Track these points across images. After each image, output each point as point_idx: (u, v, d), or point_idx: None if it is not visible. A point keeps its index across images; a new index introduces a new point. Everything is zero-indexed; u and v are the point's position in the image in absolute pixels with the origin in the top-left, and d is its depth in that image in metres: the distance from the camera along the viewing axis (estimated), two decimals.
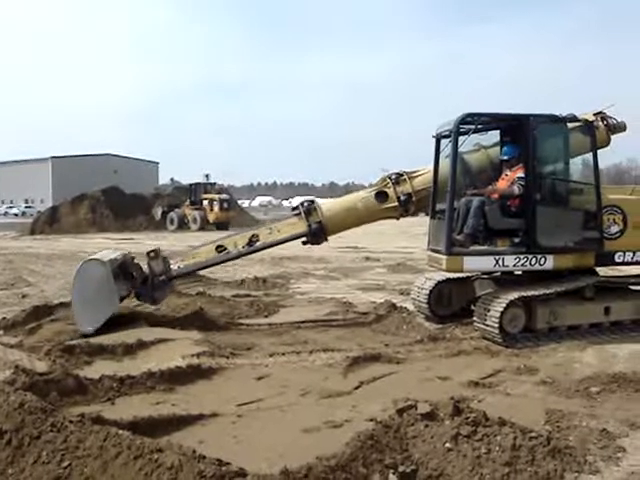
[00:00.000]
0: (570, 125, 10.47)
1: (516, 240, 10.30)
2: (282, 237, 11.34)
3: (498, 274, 11.00)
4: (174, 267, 11.17)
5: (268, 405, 7.03)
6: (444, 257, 10.12)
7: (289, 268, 19.27)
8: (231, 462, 4.75)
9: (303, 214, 11.32)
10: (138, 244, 31.59)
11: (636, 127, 11.77)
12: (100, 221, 48.78)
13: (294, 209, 11.76)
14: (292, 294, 14.86)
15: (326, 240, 11.54)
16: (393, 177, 11.47)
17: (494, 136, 11.45)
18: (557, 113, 10.51)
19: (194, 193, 49.32)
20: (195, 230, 45.89)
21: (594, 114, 11.33)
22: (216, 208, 47.84)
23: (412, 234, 25.81)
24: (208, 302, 12.33)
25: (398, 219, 11.82)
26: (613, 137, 11.61)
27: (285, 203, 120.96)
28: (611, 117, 11.50)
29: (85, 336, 9.83)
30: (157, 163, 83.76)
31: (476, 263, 10.26)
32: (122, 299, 10.87)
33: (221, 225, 46.85)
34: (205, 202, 48.55)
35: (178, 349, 9.03)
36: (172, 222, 48.63)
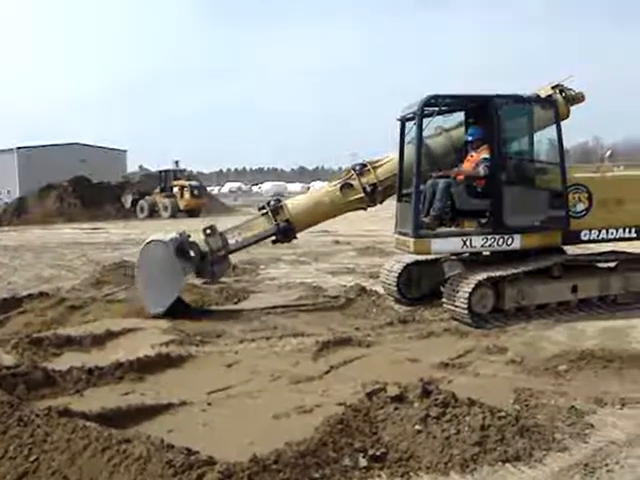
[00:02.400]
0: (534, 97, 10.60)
1: (483, 221, 10.35)
2: (253, 238, 11.42)
3: (466, 255, 11.03)
4: (231, 241, 11.28)
5: (238, 392, 7.00)
6: (412, 239, 10.13)
7: (259, 254, 19.21)
8: (200, 450, 4.76)
9: (270, 213, 11.34)
10: (107, 234, 31.43)
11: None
12: (68, 211, 48.20)
13: (261, 209, 11.73)
14: (262, 280, 14.84)
15: (295, 237, 11.59)
16: (357, 168, 11.45)
17: (455, 118, 11.47)
18: (521, 93, 10.56)
19: (164, 180, 48.81)
20: (166, 218, 45.42)
21: (552, 87, 11.35)
22: (187, 195, 47.37)
23: (381, 217, 25.75)
24: None
25: (366, 209, 11.81)
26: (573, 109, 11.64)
27: (255, 188, 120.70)
28: (569, 89, 11.50)
29: (158, 316, 10.23)
30: (125, 151, 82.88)
31: (444, 245, 10.27)
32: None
33: (192, 212, 46.59)
34: (175, 189, 47.99)
35: (147, 338, 9.01)
36: (142, 210, 48.11)
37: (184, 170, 53.00)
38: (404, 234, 10.54)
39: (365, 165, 11.46)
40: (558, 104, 10.89)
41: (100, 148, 77.70)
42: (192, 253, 10.86)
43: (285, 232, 11.34)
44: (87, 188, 51.23)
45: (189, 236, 11.02)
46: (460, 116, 11.44)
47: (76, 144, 75.14)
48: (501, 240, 10.20)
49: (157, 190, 48.46)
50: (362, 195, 11.31)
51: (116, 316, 10.34)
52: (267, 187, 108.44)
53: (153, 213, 47.68)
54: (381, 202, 11.62)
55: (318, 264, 17.53)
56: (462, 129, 11.30)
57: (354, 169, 11.46)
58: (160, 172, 50.80)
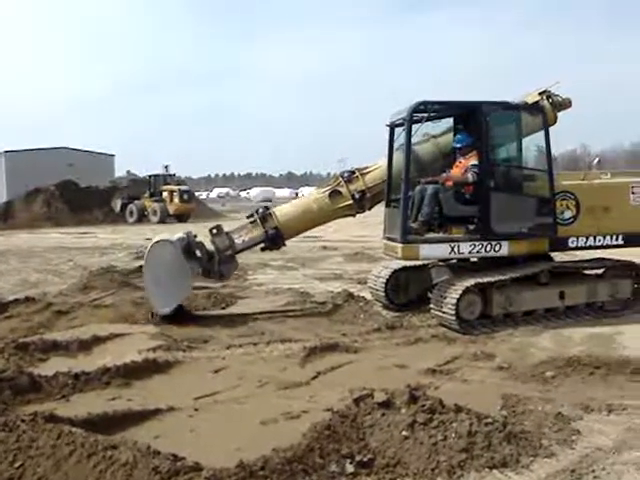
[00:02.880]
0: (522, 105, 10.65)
1: (471, 227, 10.37)
2: (251, 241, 11.42)
3: (454, 261, 11.04)
4: (238, 241, 11.26)
5: (225, 398, 7.00)
6: (400, 245, 10.15)
7: (246, 259, 19.12)
8: (187, 457, 4.74)
9: (259, 221, 11.33)
10: (95, 238, 31.33)
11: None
12: (56, 216, 47.86)
13: (249, 217, 11.70)
14: (249, 285, 14.82)
15: (284, 245, 11.59)
16: (345, 175, 11.46)
17: (443, 124, 11.50)
18: (509, 100, 10.61)
19: (153, 185, 48.21)
20: (155, 222, 44.98)
21: (539, 93, 11.38)
22: (176, 199, 46.78)
23: (370, 223, 25.69)
24: None
25: (354, 216, 11.81)
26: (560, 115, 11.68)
27: (243, 194, 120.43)
28: (556, 95, 11.55)
29: (165, 317, 10.36)
30: (113, 155, 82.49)
31: (432, 251, 10.29)
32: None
33: (182, 217, 46.15)
34: (165, 194, 47.35)
35: (134, 344, 8.98)
36: (132, 214, 47.49)
37: (174, 175, 52.56)
38: (392, 240, 10.55)
39: (353, 172, 11.47)
40: (546, 110, 10.94)
41: (88, 152, 77.32)
42: (199, 253, 10.89)
43: (274, 239, 11.34)
44: (74, 192, 50.95)
45: (196, 236, 11.02)
46: (448, 122, 11.47)
47: (63, 148, 74.74)
48: (489, 246, 10.23)
49: (146, 195, 48.09)
50: (351, 202, 11.31)
51: (103, 321, 10.32)
52: (255, 192, 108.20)
53: (142, 218, 47.08)
54: (369, 209, 11.63)
55: (306, 270, 17.51)
56: (450, 135, 11.32)
57: (342, 176, 11.47)
58: (149, 177, 50.03)
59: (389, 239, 10.81)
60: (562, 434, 5.71)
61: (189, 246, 10.78)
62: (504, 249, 10.30)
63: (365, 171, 11.45)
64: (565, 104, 11.71)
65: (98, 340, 9.14)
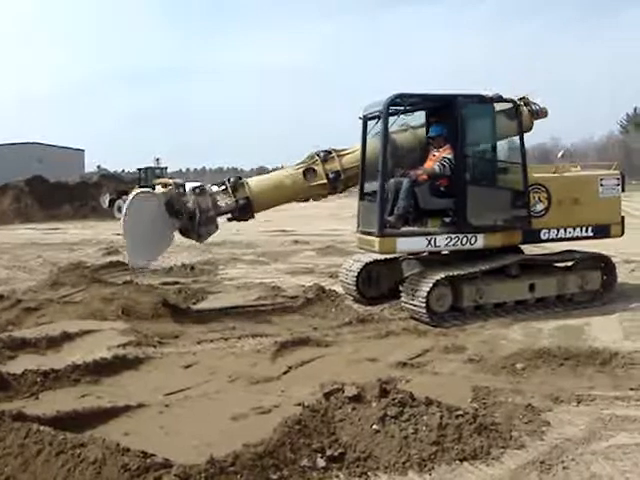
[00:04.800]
0: (497, 108, 10.62)
1: (447, 220, 10.40)
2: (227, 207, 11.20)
3: (425, 254, 11.06)
4: (221, 203, 11.02)
5: (196, 393, 6.98)
6: (377, 239, 10.15)
7: (217, 254, 19.11)
8: (157, 453, 4.70)
9: (230, 189, 11.12)
10: (65, 234, 31.07)
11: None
12: (25, 211, 47.46)
13: (220, 185, 11.50)
14: (220, 280, 14.75)
15: (252, 217, 11.37)
16: (322, 154, 11.36)
17: (420, 117, 11.50)
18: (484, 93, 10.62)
19: (144, 179, 45.45)
20: None
21: (518, 99, 11.43)
22: None
23: (341, 217, 25.82)
24: (135, 290, 12.07)
25: (326, 197, 11.81)
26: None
27: (215, 188, 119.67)
28: (534, 103, 11.68)
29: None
30: (83, 150, 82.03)
31: (409, 244, 10.31)
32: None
33: None
34: (159, 187, 45.19)
35: (104, 340, 8.90)
36: (120, 210, 45.15)
37: (166, 168, 50.70)
38: (368, 233, 10.53)
39: (330, 152, 11.39)
40: (523, 116, 11.04)
41: (57, 147, 76.69)
42: (181, 210, 10.73)
43: (243, 210, 11.11)
44: (44, 188, 50.42)
45: (178, 193, 10.88)
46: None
47: (33, 143, 74.10)
48: (465, 239, 10.27)
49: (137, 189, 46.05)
50: (325, 181, 11.23)
51: (73, 318, 10.19)
52: None
53: None
54: (341, 191, 11.62)
55: (277, 264, 17.46)
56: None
57: (318, 155, 11.37)
58: (140, 170, 48.12)
59: (364, 233, 10.78)
60: (532, 425, 5.76)
61: (171, 202, 10.65)
62: (479, 242, 10.35)
63: (342, 153, 11.41)
64: (543, 113, 11.89)
65: (67, 337, 9.03)
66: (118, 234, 20.80)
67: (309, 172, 11.33)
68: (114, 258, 17.70)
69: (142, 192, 10.71)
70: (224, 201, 11.15)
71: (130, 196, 10.85)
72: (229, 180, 11.33)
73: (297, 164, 11.63)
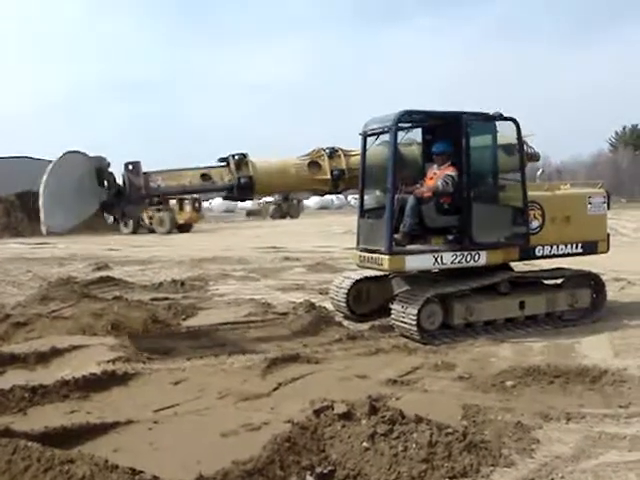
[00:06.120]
0: (500, 142, 10.73)
1: (450, 237, 10.41)
2: (181, 188, 10.79)
3: (414, 272, 11.03)
4: (153, 185, 10.31)
5: (185, 410, 6.93)
6: (386, 257, 10.04)
7: (208, 270, 19.11)
8: (145, 470, 4.68)
9: (233, 166, 10.63)
10: (54, 249, 31.01)
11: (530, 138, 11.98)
12: (15, 225, 47.37)
13: (222, 160, 10.85)
14: (211, 296, 14.71)
15: (251, 198, 11.17)
16: (327, 150, 11.20)
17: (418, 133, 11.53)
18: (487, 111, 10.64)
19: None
20: (164, 232, 41.30)
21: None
22: (188, 208, 43.37)
23: (331, 233, 25.86)
24: (125, 306, 12.05)
25: (324, 195, 11.77)
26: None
27: (205, 204, 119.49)
28: (530, 146, 11.74)
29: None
30: None
31: (417, 262, 10.24)
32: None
33: (186, 227, 42.74)
34: (173, 201, 42.96)
35: (93, 356, 8.82)
36: (126, 225, 42.45)
37: None
38: (374, 251, 10.44)
39: (336, 150, 11.23)
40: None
41: (47, 162, 76.54)
42: (106, 183, 9.89)
43: (243, 189, 10.63)
44: (35, 202, 50.04)
45: (109, 164, 9.99)
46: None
47: (25, 157, 74.06)
48: (469, 257, 10.27)
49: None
50: (328, 177, 11.05)
51: (62, 333, 10.10)
52: (218, 202, 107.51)
53: (139, 228, 43.14)
54: (340, 192, 11.58)
55: (267, 280, 17.43)
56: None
57: (324, 150, 11.21)
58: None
59: (367, 250, 10.68)
60: (522, 443, 5.75)
61: (102, 170, 9.80)
62: (482, 259, 10.37)
63: (350, 153, 11.27)
64: (536, 156, 12.10)
65: (57, 352, 8.97)
66: (111, 249, 20.75)
67: (314, 165, 11.16)
68: (104, 273, 17.69)
69: (73, 151, 9.67)
70: (225, 178, 10.69)
71: (60, 153, 9.89)
72: (233, 157, 10.71)
73: (302, 155, 11.42)
